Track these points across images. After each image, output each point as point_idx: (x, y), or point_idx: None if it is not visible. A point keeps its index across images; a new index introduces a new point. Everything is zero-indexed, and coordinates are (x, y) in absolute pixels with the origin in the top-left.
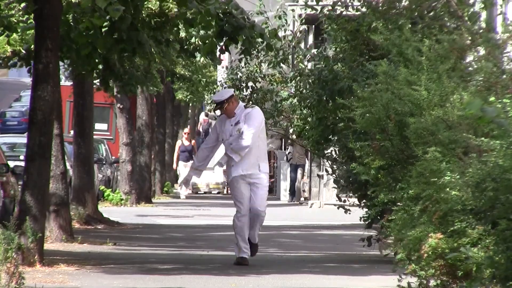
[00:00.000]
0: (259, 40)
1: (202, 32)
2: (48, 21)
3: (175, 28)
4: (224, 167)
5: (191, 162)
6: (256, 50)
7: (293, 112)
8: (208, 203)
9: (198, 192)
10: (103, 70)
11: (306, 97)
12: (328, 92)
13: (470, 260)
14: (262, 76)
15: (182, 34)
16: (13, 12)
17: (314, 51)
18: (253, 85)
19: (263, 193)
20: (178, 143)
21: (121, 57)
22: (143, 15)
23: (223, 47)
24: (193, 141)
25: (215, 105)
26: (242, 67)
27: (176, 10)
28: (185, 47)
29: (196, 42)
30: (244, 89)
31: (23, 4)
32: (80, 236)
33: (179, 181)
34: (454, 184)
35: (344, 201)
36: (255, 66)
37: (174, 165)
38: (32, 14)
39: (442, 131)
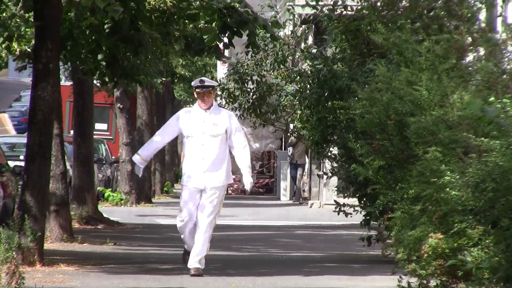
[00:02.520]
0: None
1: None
2: (48, 21)
3: (180, 22)
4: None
5: None
6: (264, 43)
7: (294, 111)
8: None
9: None
10: (109, 66)
11: (305, 97)
12: (327, 91)
13: (469, 265)
14: (267, 69)
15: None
16: (16, 21)
17: (313, 51)
18: (258, 79)
19: (214, 203)
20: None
21: (125, 54)
22: (146, 13)
23: (227, 42)
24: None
25: (199, 87)
26: (248, 59)
27: (171, 4)
28: (192, 45)
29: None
30: (250, 82)
31: (20, 5)
32: (80, 236)
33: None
34: (454, 184)
35: (344, 204)
36: (261, 59)
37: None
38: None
39: (443, 131)
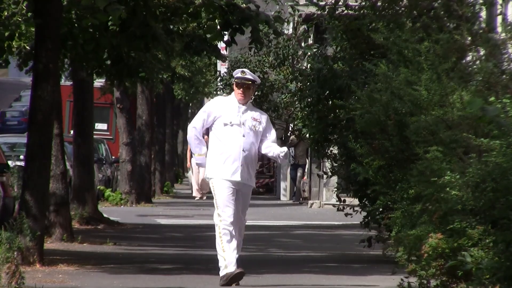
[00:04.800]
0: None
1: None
2: (48, 21)
3: (183, 19)
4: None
5: None
6: (267, 39)
7: (295, 109)
8: (208, 203)
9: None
10: (113, 65)
11: (306, 96)
12: (327, 90)
13: (469, 265)
14: (269, 66)
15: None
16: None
17: (314, 50)
18: (260, 75)
19: (247, 203)
20: None
21: (130, 51)
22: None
23: (229, 39)
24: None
25: (240, 78)
26: (251, 56)
27: None
28: (192, 44)
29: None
30: None
31: (25, 3)
32: (80, 236)
33: (192, 181)
34: (454, 184)
35: (344, 200)
36: (263, 56)
37: (188, 163)
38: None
39: (443, 131)
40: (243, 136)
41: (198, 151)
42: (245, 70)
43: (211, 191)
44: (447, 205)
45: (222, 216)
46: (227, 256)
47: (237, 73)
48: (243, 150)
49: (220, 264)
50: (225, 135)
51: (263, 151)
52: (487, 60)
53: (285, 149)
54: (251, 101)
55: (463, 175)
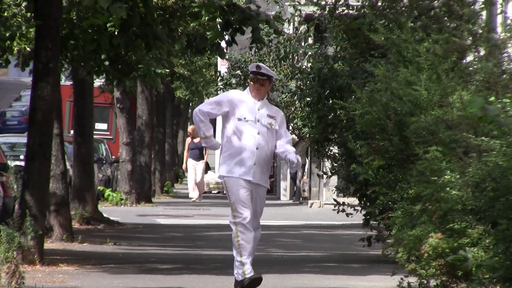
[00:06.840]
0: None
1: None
2: (48, 20)
3: (182, 21)
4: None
5: (202, 161)
6: (268, 39)
7: (295, 108)
8: (208, 203)
9: (213, 192)
10: (112, 64)
11: (306, 95)
12: (327, 90)
13: (469, 262)
14: (269, 66)
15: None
16: (18, 20)
17: (314, 50)
18: None
19: (262, 206)
20: (188, 140)
21: (128, 51)
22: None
23: (229, 40)
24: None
25: (255, 72)
26: (251, 55)
27: (173, 1)
28: (194, 43)
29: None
30: None
31: (24, 4)
32: (80, 236)
33: (188, 182)
34: (454, 183)
35: (343, 203)
36: (264, 56)
37: (184, 165)
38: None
39: (442, 131)
40: (258, 133)
41: (204, 133)
42: (260, 64)
43: (208, 191)
44: (447, 205)
45: (238, 215)
46: (245, 261)
47: (252, 67)
48: (256, 148)
49: (235, 272)
50: (239, 132)
51: (277, 150)
52: (487, 60)
53: (299, 162)
54: (267, 97)
55: (463, 175)
